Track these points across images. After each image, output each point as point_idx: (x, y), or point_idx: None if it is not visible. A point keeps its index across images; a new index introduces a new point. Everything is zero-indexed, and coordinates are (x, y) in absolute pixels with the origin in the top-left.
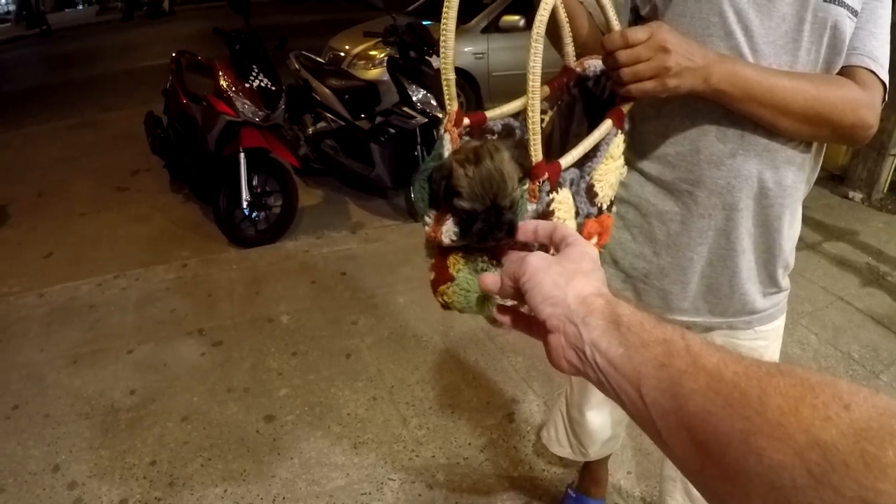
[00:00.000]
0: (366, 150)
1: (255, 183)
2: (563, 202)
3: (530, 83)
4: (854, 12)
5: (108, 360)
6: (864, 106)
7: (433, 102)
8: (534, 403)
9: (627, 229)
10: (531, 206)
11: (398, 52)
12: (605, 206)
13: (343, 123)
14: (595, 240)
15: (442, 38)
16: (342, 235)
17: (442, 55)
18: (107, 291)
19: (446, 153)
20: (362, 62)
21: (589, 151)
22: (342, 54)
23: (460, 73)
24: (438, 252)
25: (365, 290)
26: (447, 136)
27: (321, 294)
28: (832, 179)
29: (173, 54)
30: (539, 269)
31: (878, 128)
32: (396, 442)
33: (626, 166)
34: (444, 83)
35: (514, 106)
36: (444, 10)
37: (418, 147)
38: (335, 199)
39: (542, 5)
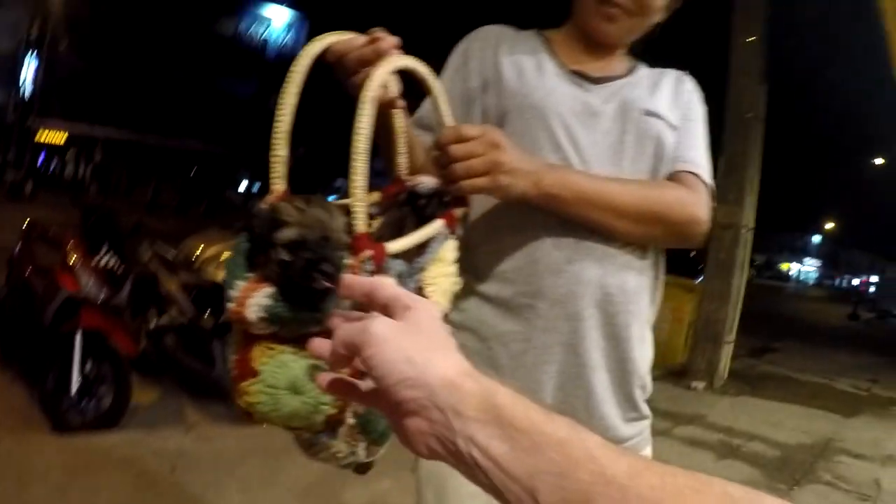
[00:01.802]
0: (208, 348)
1: (87, 368)
2: None
3: (355, 144)
4: (672, 126)
5: None
6: (693, 203)
7: None
8: None
9: (467, 358)
10: None
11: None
12: None
13: (186, 321)
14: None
15: (279, 112)
16: (175, 433)
17: (276, 130)
18: None
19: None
20: (213, 263)
21: (419, 247)
22: (194, 255)
23: None
24: (243, 340)
25: (195, 489)
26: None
27: (146, 490)
28: (674, 374)
29: (25, 223)
30: (386, 341)
31: (713, 318)
32: None
33: (460, 277)
34: (272, 160)
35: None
36: (285, 84)
37: None
38: (170, 396)
39: (378, 70)
